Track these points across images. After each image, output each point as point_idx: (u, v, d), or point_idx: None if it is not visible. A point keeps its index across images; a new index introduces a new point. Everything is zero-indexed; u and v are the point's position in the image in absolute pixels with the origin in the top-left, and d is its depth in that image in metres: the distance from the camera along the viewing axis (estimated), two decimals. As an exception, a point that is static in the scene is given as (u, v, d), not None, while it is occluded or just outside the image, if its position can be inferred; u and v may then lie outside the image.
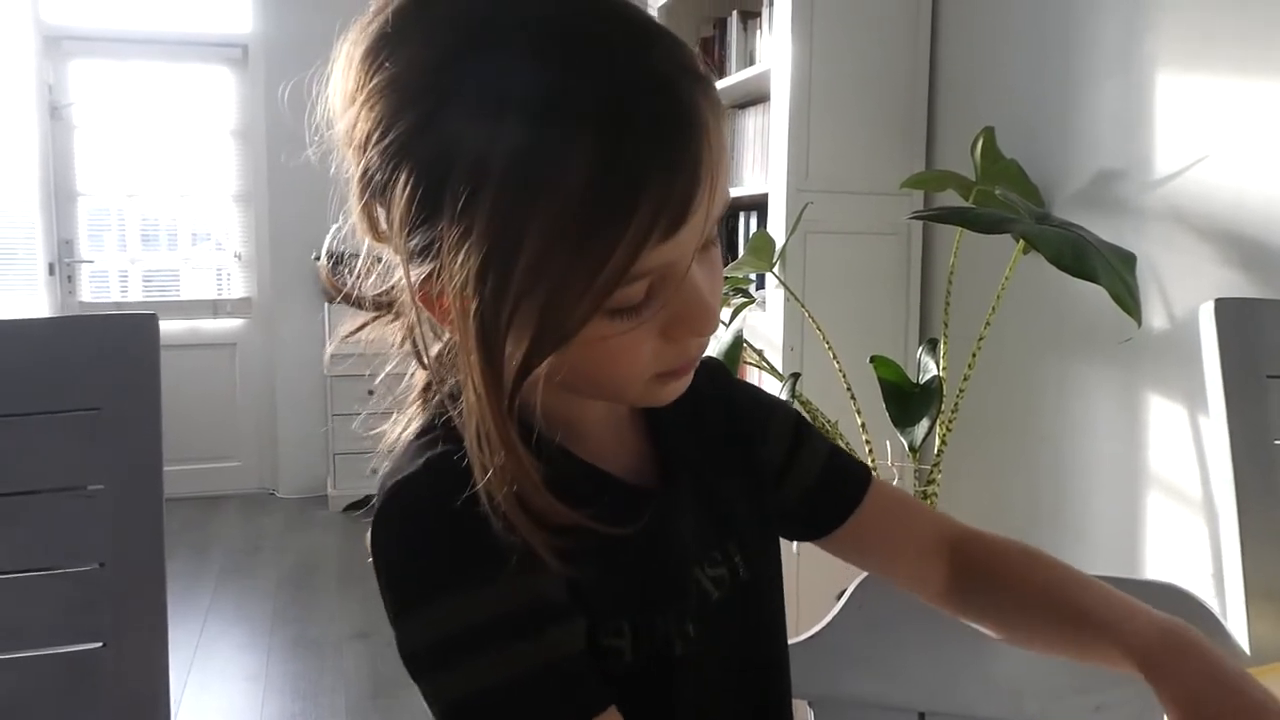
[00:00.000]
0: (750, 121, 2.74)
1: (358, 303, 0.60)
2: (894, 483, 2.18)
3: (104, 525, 0.92)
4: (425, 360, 0.59)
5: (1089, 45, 1.96)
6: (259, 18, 4.29)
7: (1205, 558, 1.73)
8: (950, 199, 2.20)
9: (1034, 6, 2.11)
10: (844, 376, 2.04)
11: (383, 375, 0.62)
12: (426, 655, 0.53)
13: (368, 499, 4.22)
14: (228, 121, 4.45)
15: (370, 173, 0.52)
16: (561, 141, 0.47)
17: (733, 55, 2.84)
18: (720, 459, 0.68)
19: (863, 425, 2.04)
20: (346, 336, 0.61)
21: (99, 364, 0.92)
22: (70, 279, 4.34)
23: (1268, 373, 1.14)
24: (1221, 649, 0.58)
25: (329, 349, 0.64)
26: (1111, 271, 1.58)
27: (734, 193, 2.62)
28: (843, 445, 2.01)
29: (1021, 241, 1.79)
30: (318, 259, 4.30)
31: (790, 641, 0.74)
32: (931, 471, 1.97)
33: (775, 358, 2.34)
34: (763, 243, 2.19)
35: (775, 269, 2.21)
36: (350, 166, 0.54)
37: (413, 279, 0.52)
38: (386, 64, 0.51)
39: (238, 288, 4.56)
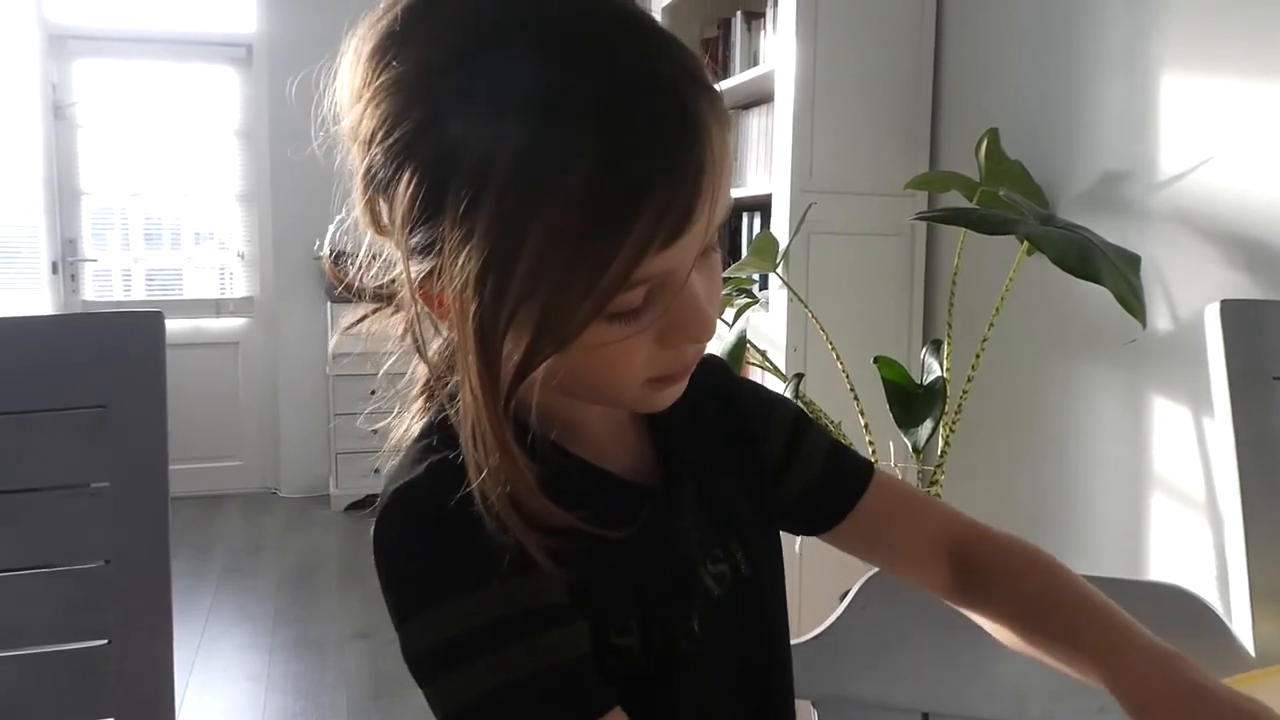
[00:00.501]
0: (754, 122, 2.74)
1: (360, 295, 0.60)
2: (897, 484, 2.18)
3: (108, 523, 0.92)
4: (425, 355, 0.59)
5: (1093, 46, 1.96)
6: (263, 17, 4.30)
7: (1209, 559, 1.73)
8: (954, 200, 2.19)
9: (1038, 7, 2.11)
10: (847, 377, 2.04)
11: (383, 370, 0.62)
12: (429, 659, 0.53)
13: (370, 498, 4.23)
14: (231, 121, 4.46)
15: (374, 169, 0.52)
16: (564, 146, 0.47)
17: (737, 56, 2.84)
18: (721, 457, 0.68)
19: (866, 426, 2.04)
20: (348, 328, 0.61)
21: (105, 362, 0.92)
22: (74, 278, 4.34)
23: (1273, 374, 1.13)
24: (1216, 680, 0.57)
25: (332, 341, 0.65)
26: (1116, 273, 1.58)
27: (737, 193, 2.63)
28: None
29: (1026, 243, 1.79)
30: (319, 257, 4.30)
31: (793, 641, 0.73)
32: (935, 472, 1.97)
33: (778, 358, 2.33)
34: (766, 243, 2.19)
35: (779, 269, 2.21)
36: (355, 161, 0.54)
37: (413, 276, 0.52)
38: (394, 62, 0.51)
39: (240, 287, 4.57)
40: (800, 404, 2.00)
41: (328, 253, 0.61)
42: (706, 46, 3.03)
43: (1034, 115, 2.12)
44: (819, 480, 0.72)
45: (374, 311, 0.60)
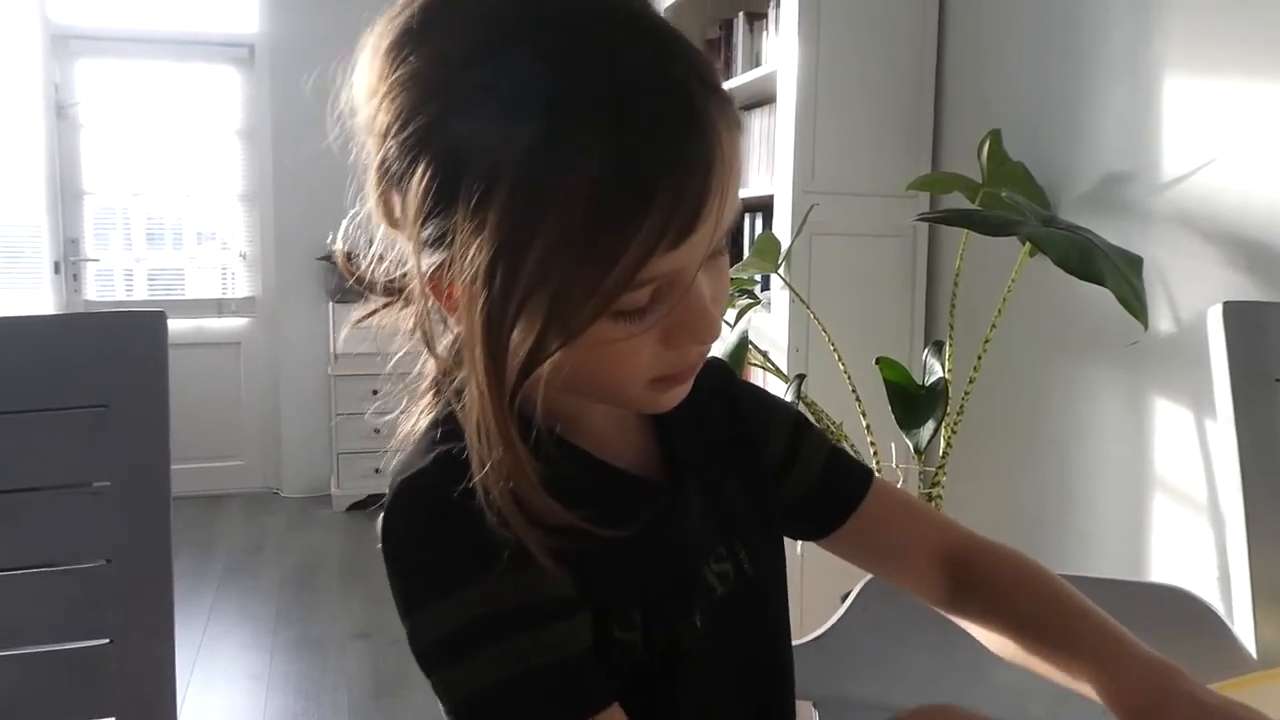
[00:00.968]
0: (756, 123, 2.74)
1: (371, 289, 0.60)
2: (899, 485, 2.18)
3: (110, 522, 0.92)
4: (434, 349, 0.59)
5: (1096, 47, 1.96)
6: (265, 18, 4.30)
7: (1211, 561, 1.73)
8: (956, 201, 2.19)
9: (1041, 8, 2.11)
10: (849, 378, 2.04)
11: (391, 364, 0.62)
12: (434, 650, 0.53)
13: (371, 498, 4.23)
14: (233, 121, 4.46)
15: (388, 162, 0.53)
16: (573, 145, 0.47)
17: (739, 56, 2.84)
18: (724, 458, 0.69)
19: (868, 427, 2.03)
20: (358, 322, 0.62)
21: (107, 361, 0.92)
22: (76, 277, 4.34)
23: (1275, 375, 1.13)
24: (1211, 691, 0.57)
25: (341, 335, 0.66)
26: (1118, 274, 1.58)
27: (739, 194, 2.62)
28: (847, 447, 2.01)
29: (1028, 244, 1.79)
30: (323, 257, 4.30)
31: (795, 642, 0.74)
32: (936, 474, 1.96)
33: (780, 359, 2.33)
34: (768, 244, 2.19)
35: (780, 270, 2.21)
36: (370, 155, 0.55)
37: (424, 268, 0.53)
38: (410, 58, 0.51)
39: (242, 287, 4.57)
40: (802, 405, 2.00)
41: (340, 248, 0.61)
42: (709, 47, 3.03)
43: (1036, 116, 2.12)
44: (819, 482, 0.72)
45: (385, 306, 0.61)
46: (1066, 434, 2.06)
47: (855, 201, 2.38)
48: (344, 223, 0.60)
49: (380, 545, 0.55)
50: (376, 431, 4.34)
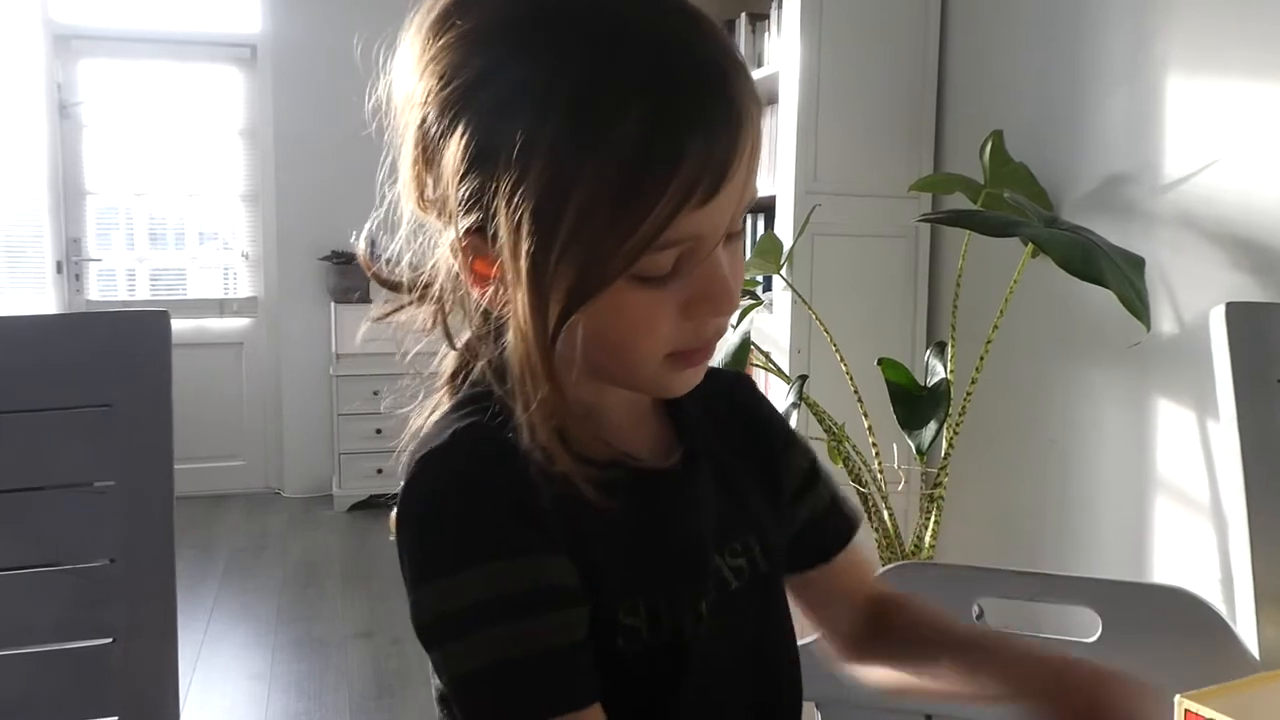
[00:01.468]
0: (758, 123, 2.74)
1: (391, 286, 0.63)
2: (901, 486, 2.18)
3: (114, 521, 0.92)
4: (453, 342, 0.62)
5: (1098, 48, 1.96)
6: (268, 18, 4.30)
7: (1214, 562, 1.72)
8: (958, 202, 2.19)
9: (1043, 9, 2.11)
10: (851, 379, 2.04)
11: (410, 356, 0.64)
12: (436, 626, 0.54)
13: (373, 499, 4.24)
14: (236, 121, 4.47)
15: (428, 124, 0.55)
16: (617, 97, 0.50)
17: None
18: (740, 457, 0.70)
19: (870, 428, 2.03)
20: (379, 319, 0.64)
21: (110, 361, 0.92)
22: (78, 277, 4.35)
23: (1278, 377, 1.13)
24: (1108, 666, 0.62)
25: (360, 330, 0.68)
26: (1120, 275, 1.58)
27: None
28: (850, 448, 2.02)
29: (1030, 245, 1.79)
30: (325, 257, 4.30)
31: (798, 642, 0.74)
32: (939, 475, 1.96)
33: (782, 360, 2.33)
34: (770, 245, 2.19)
35: (783, 271, 2.21)
36: (405, 130, 0.57)
37: (460, 228, 0.55)
38: (453, 29, 0.54)
39: (244, 287, 4.57)
40: (804, 406, 2.00)
41: (363, 246, 0.64)
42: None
43: (1038, 117, 2.12)
44: (819, 521, 0.75)
45: (408, 303, 0.63)
46: (1068, 435, 2.06)
47: (857, 202, 2.38)
48: (367, 224, 0.63)
49: (394, 519, 0.56)
50: (378, 432, 4.35)
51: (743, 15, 2.84)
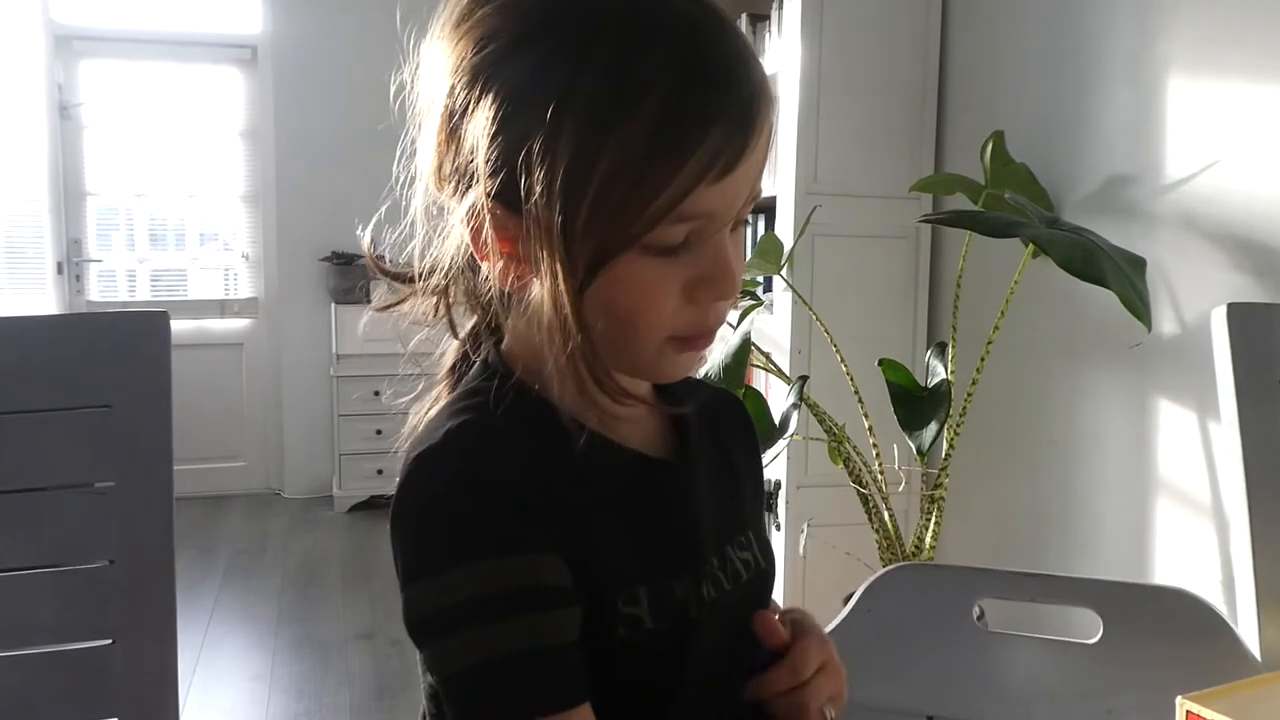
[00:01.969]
0: (759, 124, 2.74)
1: (396, 277, 0.65)
2: (901, 487, 2.18)
3: (114, 522, 0.92)
4: (456, 330, 0.64)
5: (1099, 49, 1.96)
6: (268, 19, 4.30)
7: (1215, 563, 1.72)
8: (959, 203, 2.19)
9: (1044, 9, 2.11)
10: (851, 380, 2.04)
11: (411, 345, 0.66)
12: (427, 623, 0.55)
13: (373, 499, 4.23)
14: (236, 122, 4.47)
15: (456, 93, 0.57)
16: (652, 67, 0.53)
17: (741, 58, 2.84)
18: (737, 459, 0.72)
19: (870, 429, 2.03)
20: (381, 309, 0.66)
21: (110, 361, 0.92)
22: (78, 278, 4.35)
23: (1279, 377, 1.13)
24: None
25: (363, 320, 0.71)
26: (1121, 276, 1.58)
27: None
28: (850, 449, 2.01)
29: (1031, 245, 1.79)
30: (326, 258, 4.30)
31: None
32: (939, 476, 1.96)
33: (783, 361, 2.33)
34: (771, 245, 2.19)
35: (783, 272, 2.21)
36: (429, 106, 0.59)
37: (489, 190, 0.56)
38: (480, 11, 0.57)
39: (245, 288, 4.57)
40: (805, 407, 2.00)
41: (368, 241, 0.66)
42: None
43: (1039, 118, 2.12)
44: None
45: (412, 293, 0.64)
46: (1069, 436, 2.06)
47: (858, 203, 2.38)
48: (373, 217, 0.65)
49: (390, 517, 0.57)
50: (379, 432, 4.35)
51: (744, 16, 2.84)
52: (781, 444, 1.89)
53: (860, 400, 2.03)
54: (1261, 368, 1.13)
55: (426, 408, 0.64)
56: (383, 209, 0.63)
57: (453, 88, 0.57)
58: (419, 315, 0.65)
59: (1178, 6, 1.78)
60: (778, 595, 0.72)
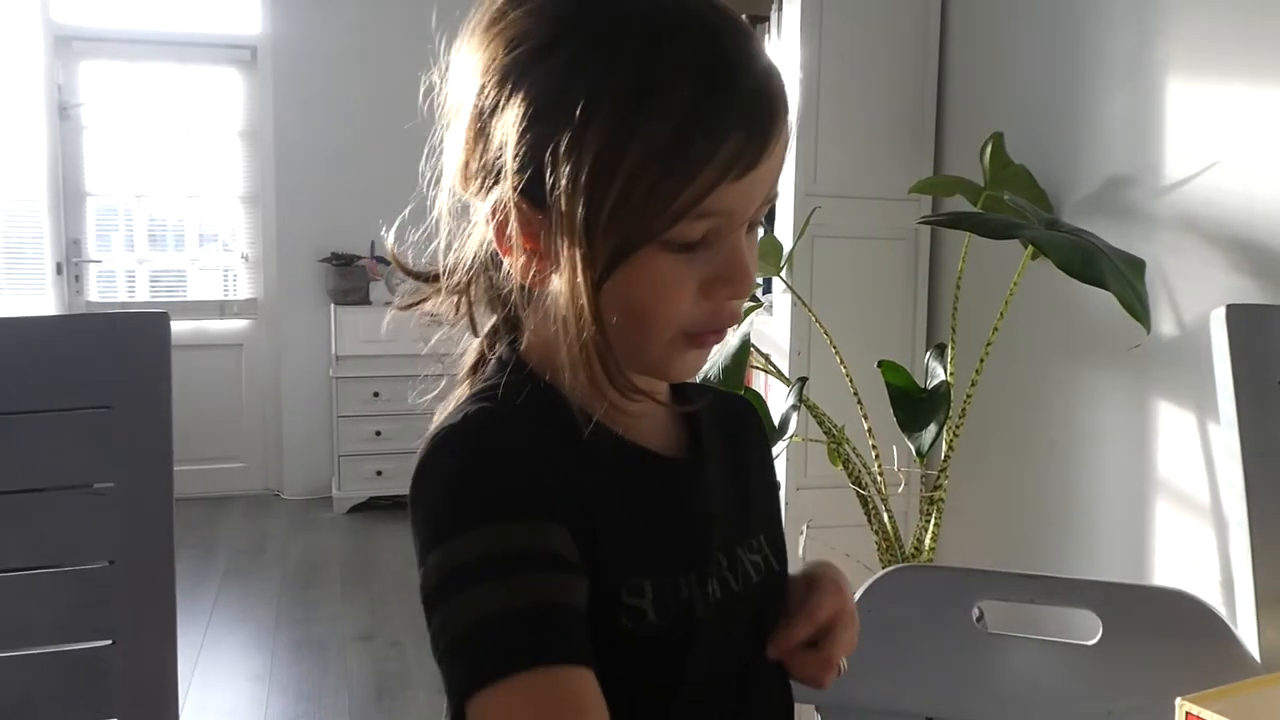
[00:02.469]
0: (758, 126, 2.74)
1: (420, 276, 0.66)
2: (901, 488, 2.18)
3: (112, 523, 0.92)
4: (477, 328, 0.66)
5: (1099, 50, 1.96)
6: (268, 20, 4.31)
7: (1214, 565, 1.72)
8: (959, 204, 2.19)
9: (1043, 11, 2.11)
10: (851, 381, 2.04)
11: (430, 346, 0.67)
12: (436, 589, 0.55)
13: (372, 500, 4.23)
14: (235, 123, 4.47)
15: (485, 92, 0.58)
16: (678, 67, 0.55)
17: (741, 59, 2.84)
18: (749, 464, 0.72)
19: (869, 430, 2.03)
20: (404, 308, 0.68)
21: (110, 362, 0.92)
22: (78, 279, 4.35)
23: (1279, 379, 1.13)
24: None
25: (385, 319, 0.72)
26: (1120, 278, 1.58)
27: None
28: (850, 450, 2.01)
29: (1030, 247, 1.79)
30: (325, 259, 4.30)
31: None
32: (939, 477, 1.96)
33: (782, 362, 2.33)
34: (770, 247, 2.19)
35: (783, 273, 2.21)
36: (460, 106, 0.61)
37: (514, 184, 0.57)
38: (511, 15, 0.58)
39: (244, 289, 4.57)
40: (804, 408, 2.00)
41: (391, 241, 0.68)
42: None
43: (1039, 119, 2.12)
44: None
45: (435, 292, 0.66)
46: (1069, 437, 2.06)
47: (857, 204, 2.38)
48: (397, 220, 0.67)
49: (409, 497, 0.58)
50: (378, 434, 4.35)
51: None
52: (781, 445, 1.89)
53: (859, 402, 2.03)
54: (1261, 369, 1.13)
55: (449, 405, 0.65)
56: (406, 210, 0.65)
57: (483, 87, 0.58)
58: (441, 314, 0.66)
59: (1176, 8, 1.78)
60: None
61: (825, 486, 2.35)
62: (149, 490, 0.93)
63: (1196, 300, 1.75)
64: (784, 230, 2.38)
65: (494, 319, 0.67)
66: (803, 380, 2.00)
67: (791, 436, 1.90)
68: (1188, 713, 0.67)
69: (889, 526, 2.00)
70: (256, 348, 4.56)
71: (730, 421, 0.72)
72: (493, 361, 0.65)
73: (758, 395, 2.11)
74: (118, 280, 4.46)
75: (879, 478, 2.03)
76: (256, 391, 4.56)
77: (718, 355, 1.85)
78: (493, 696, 0.51)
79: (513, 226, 0.58)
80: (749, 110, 0.56)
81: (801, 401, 1.95)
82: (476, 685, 0.51)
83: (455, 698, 0.53)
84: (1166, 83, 1.80)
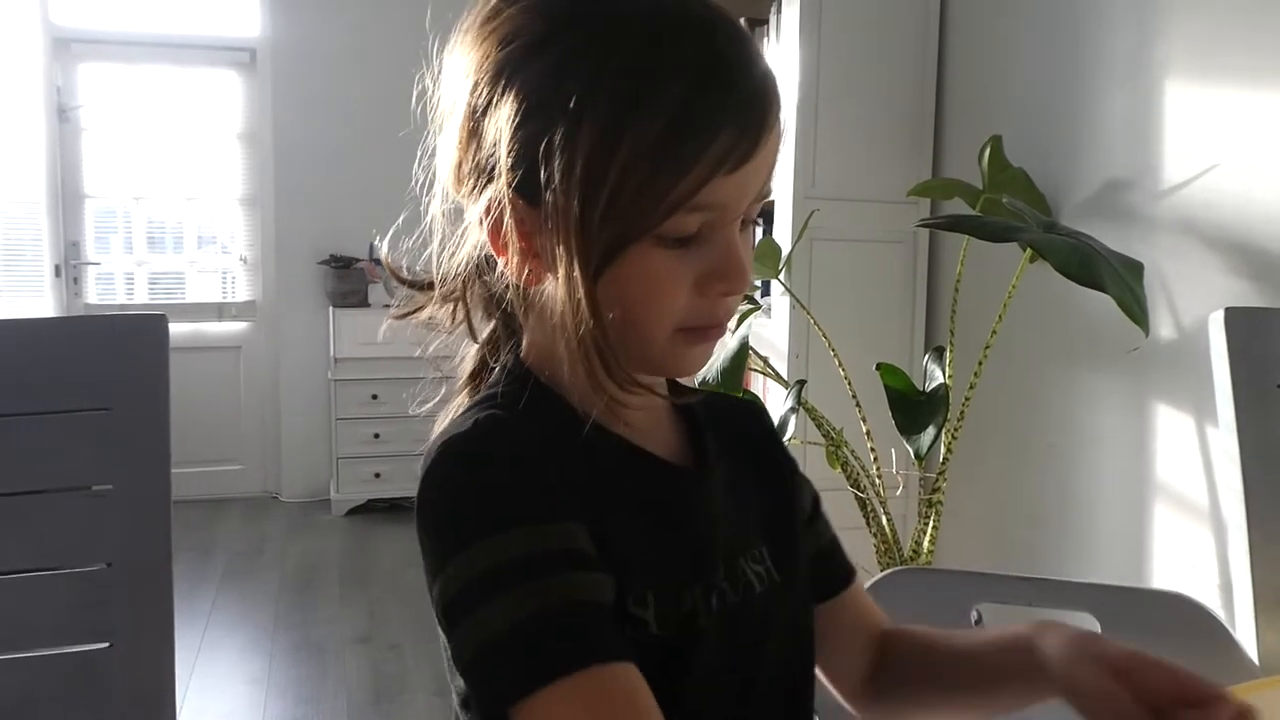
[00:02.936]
0: (757, 128, 2.74)
1: (416, 285, 0.66)
2: (899, 491, 2.18)
3: (111, 525, 0.92)
4: (475, 334, 0.66)
5: (1097, 53, 1.96)
6: (267, 22, 4.31)
7: (1213, 567, 1.72)
8: (957, 207, 2.20)
9: (1042, 14, 2.12)
10: (849, 384, 2.04)
11: (432, 349, 0.67)
12: (457, 600, 0.54)
13: (371, 503, 4.23)
14: (234, 125, 4.47)
15: (479, 90, 0.58)
16: (672, 62, 0.55)
17: (740, 62, 2.84)
18: (753, 471, 0.71)
19: (868, 433, 2.03)
20: (400, 317, 0.67)
21: (108, 364, 0.92)
22: (76, 281, 4.34)
23: (1277, 382, 1.13)
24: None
25: (382, 327, 0.72)
26: (1119, 280, 1.58)
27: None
28: (848, 453, 2.01)
29: (1028, 250, 1.79)
30: (324, 261, 4.30)
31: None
32: (937, 480, 1.96)
33: (780, 365, 2.33)
34: (769, 249, 2.19)
35: (781, 276, 2.21)
36: (453, 107, 0.61)
37: (511, 182, 0.57)
38: (506, 12, 0.58)
39: (243, 291, 4.57)
40: (802, 411, 2.00)
41: (385, 249, 0.68)
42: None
43: (1037, 122, 2.12)
44: (827, 549, 0.76)
45: (428, 302, 0.66)
46: (1067, 440, 2.06)
47: (856, 207, 2.38)
48: (391, 228, 0.67)
49: (416, 505, 0.57)
50: (376, 436, 4.35)
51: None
52: (779, 448, 1.89)
53: (858, 404, 2.03)
54: (1259, 372, 1.13)
55: (450, 413, 0.64)
56: (400, 218, 0.65)
57: (476, 84, 0.58)
58: (437, 321, 0.66)
59: (1175, 10, 1.78)
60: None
61: (824, 489, 2.31)
62: (147, 492, 0.92)
63: (1195, 303, 1.75)
64: (782, 233, 2.38)
65: (492, 324, 0.67)
66: (801, 383, 2.00)
67: (790, 439, 1.89)
68: (1187, 715, 0.67)
69: (887, 529, 2.00)
70: (255, 350, 4.55)
71: (737, 428, 0.72)
72: (496, 370, 0.64)
73: (755, 398, 2.11)
74: (116, 282, 4.46)
75: (877, 480, 2.03)
76: (255, 394, 4.56)
77: (717, 358, 1.85)
78: (542, 703, 0.51)
79: (507, 225, 0.58)
80: (742, 106, 0.56)
81: (800, 404, 1.95)
82: (523, 692, 0.51)
83: (493, 705, 0.52)
84: (1165, 85, 1.81)
